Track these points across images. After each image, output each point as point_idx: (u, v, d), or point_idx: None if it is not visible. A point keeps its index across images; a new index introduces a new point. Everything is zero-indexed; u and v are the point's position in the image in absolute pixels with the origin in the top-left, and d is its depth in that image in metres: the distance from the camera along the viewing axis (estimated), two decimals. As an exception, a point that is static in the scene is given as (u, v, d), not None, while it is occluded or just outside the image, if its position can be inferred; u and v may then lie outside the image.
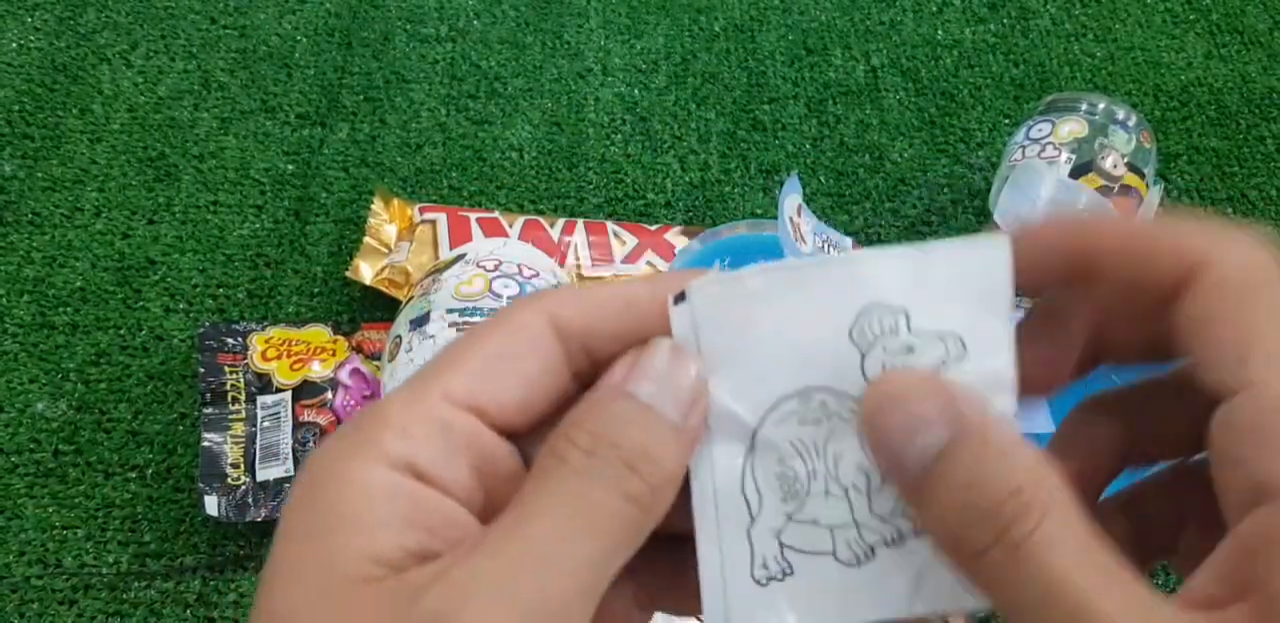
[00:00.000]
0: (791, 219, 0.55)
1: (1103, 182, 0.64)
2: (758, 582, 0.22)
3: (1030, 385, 0.22)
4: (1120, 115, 0.67)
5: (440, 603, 0.19)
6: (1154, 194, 0.65)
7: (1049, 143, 0.66)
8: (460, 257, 0.59)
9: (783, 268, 0.22)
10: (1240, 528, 0.19)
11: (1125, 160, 0.65)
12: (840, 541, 0.22)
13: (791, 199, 0.55)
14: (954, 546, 0.20)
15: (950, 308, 0.22)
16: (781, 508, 0.23)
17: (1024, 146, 0.67)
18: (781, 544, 0.23)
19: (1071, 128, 0.66)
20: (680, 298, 0.23)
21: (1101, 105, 0.67)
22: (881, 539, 0.22)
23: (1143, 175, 0.65)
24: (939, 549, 0.21)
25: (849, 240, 0.61)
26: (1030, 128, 0.68)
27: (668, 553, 0.24)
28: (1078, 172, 0.64)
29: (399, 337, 0.54)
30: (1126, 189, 0.64)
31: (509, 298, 0.54)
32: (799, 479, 0.23)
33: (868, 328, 0.22)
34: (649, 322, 0.23)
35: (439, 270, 0.58)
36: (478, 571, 0.19)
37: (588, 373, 0.24)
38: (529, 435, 0.24)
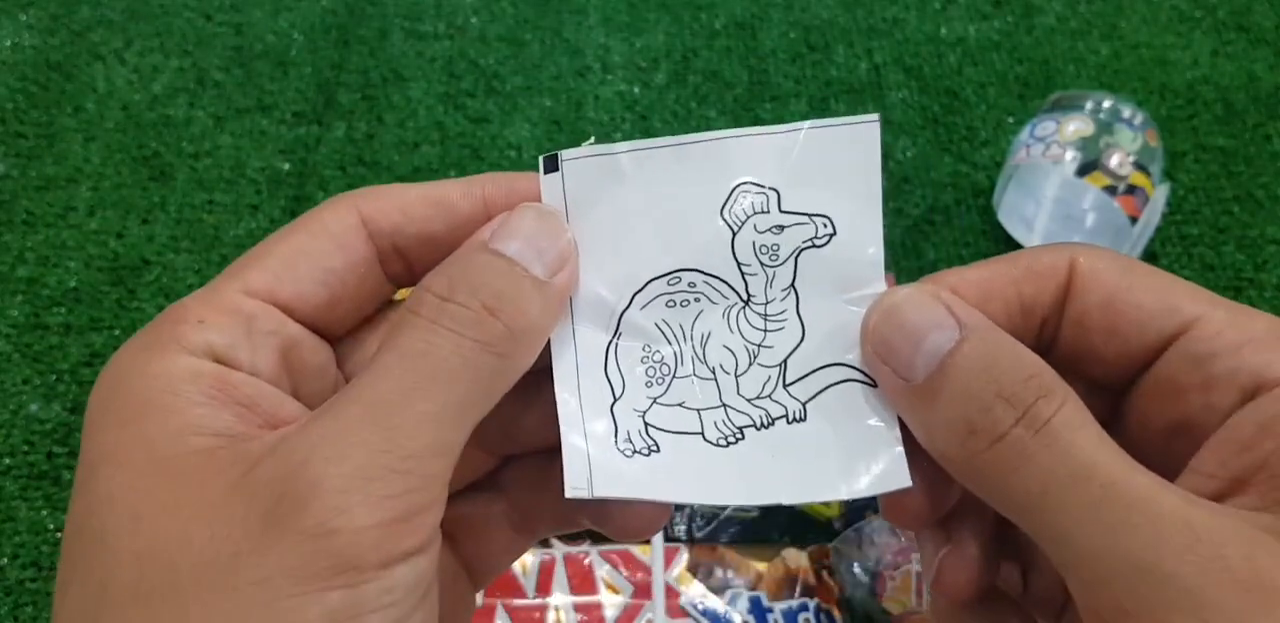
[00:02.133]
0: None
1: (1108, 180, 0.63)
2: (622, 453, 0.22)
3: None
4: (1126, 113, 0.66)
5: (276, 469, 0.18)
6: (1160, 193, 0.65)
7: (1054, 141, 0.65)
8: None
9: (656, 144, 0.22)
10: (1234, 421, 0.19)
11: (1131, 159, 0.64)
12: (708, 422, 0.22)
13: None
14: (969, 432, 0.19)
15: (821, 187, 0.22)
16: (646, 392, 0.22)
17: (1029, 145, 0.66)
18: (646, 423, 0.22)
19: (1077, 126, 0.65)
20: (551, 167, 0.22)
21: (1107, 103, 0.66)
22: (751, 422, 0.22)
23: (1149, 174, 0.65)
24: (945, 446, 0.20)
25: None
26: (1035, 126, 0.67)
27: (539, 469, 0.24)
28: (1083, 170, 0.64)
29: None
30: (1132, 188, 0.64)
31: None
32: (665, 363, 0.22)
33: (739, 207, 0.22)
34: (460, 221, 0.22)
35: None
36: (316, 435, 0.18)
37: (404, 276, 0.23)
38: (348, 339, 0.23)
